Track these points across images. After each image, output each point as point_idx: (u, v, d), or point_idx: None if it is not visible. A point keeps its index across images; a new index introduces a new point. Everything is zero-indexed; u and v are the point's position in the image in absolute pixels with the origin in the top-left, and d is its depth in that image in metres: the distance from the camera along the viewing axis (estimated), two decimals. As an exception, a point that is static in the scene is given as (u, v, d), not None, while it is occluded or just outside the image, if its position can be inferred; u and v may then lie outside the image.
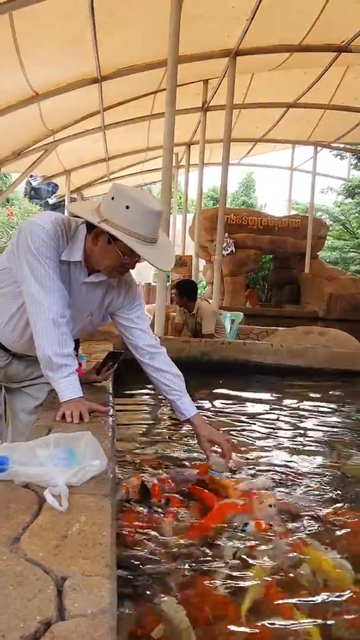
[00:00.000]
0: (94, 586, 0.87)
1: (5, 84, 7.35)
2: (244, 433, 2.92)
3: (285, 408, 3.63)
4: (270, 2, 6.57)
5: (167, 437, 2.77)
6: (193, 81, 9.48)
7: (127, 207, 1.69)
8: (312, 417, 3.41)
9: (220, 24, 7.27)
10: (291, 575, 1.45)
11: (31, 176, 14.31)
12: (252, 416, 3.32)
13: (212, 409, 3.48)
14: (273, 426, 3.14)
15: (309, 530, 1.72)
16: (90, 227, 1.80)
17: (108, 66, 7.71)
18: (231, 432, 2.87)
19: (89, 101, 8.87)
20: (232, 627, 1.22)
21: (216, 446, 2.06)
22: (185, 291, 5.43)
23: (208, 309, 5.54)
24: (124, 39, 7.28)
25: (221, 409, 3.47)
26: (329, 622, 1.27)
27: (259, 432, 2.98)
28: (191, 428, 2.12)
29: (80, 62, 7.48)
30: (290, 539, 1.63)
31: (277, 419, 3.33)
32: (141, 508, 1.77)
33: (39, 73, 7.34)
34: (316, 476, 2.26)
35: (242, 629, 1.22)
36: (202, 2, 6.46)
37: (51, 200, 18.70)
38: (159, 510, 1.78)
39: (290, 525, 1.74)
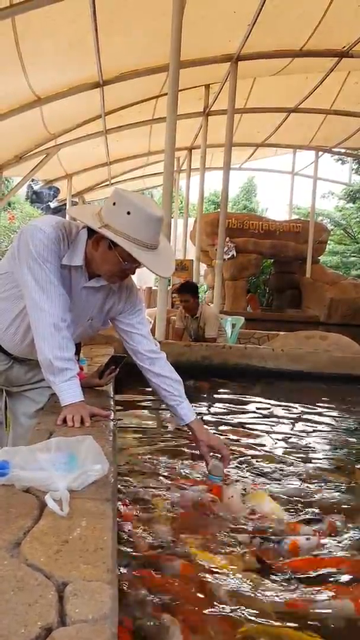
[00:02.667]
0: (95, 591, 0.86)
1: (7, 88, 7.38)
2: (244, 438, 2.92)
3: (286, 413, 3.63)
4: (272, 8, 6.61)
5: (167, 443, 2.76)
6: (195, 86, 9.50)
7: (128, 213, 1.69)
8: (313, 422, 3.40)
9: (222, 29, 7.30)
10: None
11: (33, 180, 14.35)
12: (253, 421, 3.32)
13: (212, 413, 3.48)
14: (273, 431, 3.14)
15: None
16: (91, 231, 1.80)
17: (110, 71, 7.74)
18: (230, 438, 2.86)
19: (90, 105, 8.91)
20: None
21: (215, 451, 2.06)
22: (194, 290, 5.51)
23: (211, 313, 5.56)
24: (126, 44, 7.31)
25: (221, 414, 3.47)
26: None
27: (259, 436, 2.97)
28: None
29: (82, 66, 7.51)
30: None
31: (278, 424, 3.32)
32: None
33: (41, 77, 7.37)
34: (315, 480, 2.26)
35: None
36: (203, 7, 6.49)
37: (53, 204, 18.77)
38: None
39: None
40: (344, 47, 8.02)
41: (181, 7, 5.17)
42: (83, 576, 0.91)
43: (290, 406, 3.78)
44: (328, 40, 7.80)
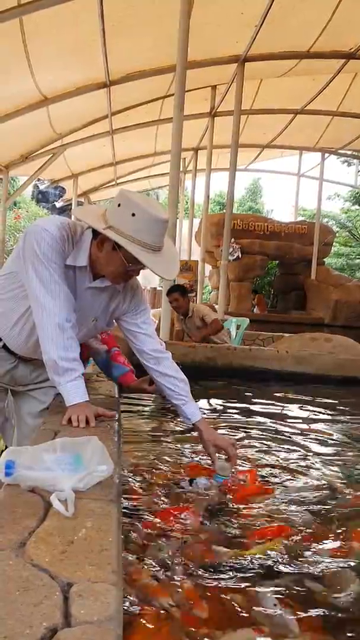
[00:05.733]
0: (100, 593, 0.86)
1: (14, 87, 7.40)
2: (247, 439, 2.91)
3: (289, 414, 3.62)
4: (279, 9, 6.60)
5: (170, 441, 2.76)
6: (201, 87, 9.51)
7: (133, 215, 1.68)
8: (316, 424, 3.39)
9: (229, 30, 7.30)
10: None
11: (39, 180, 14.37)
12: (256, 422, 3.31)
13: (216, 414, 3.47)
14: (276, 432, 3.13)
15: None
16: (95, 232, 1.80)
17: (117, 71, 7.76)
18: (234, 437, 2.86)
19: (97, 106, 8.93)
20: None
21: (222, 451, 2.06)
22: (180, 292, 5.44)
23: (203, 307, 5.73)
24: (133, 45, 7.32)
25: (225, 415, 3.46)
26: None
27: (262, 438, 2.96)
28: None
29: (89, 67, 7.52)
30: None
31: (281, 425, 3.31)
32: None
33: (48, 77, 7.39)
34: (315, 482, 2.25)
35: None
36: (211, 8, 6.49)
37: (58, 204, 18.81)
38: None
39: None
40: (351, 48, 8.01)
41: (188, 8, 5.17)
42: (88, 577, 0.90)
43: (293, 408, 3.78)
44: (335, 42, 7.80)
